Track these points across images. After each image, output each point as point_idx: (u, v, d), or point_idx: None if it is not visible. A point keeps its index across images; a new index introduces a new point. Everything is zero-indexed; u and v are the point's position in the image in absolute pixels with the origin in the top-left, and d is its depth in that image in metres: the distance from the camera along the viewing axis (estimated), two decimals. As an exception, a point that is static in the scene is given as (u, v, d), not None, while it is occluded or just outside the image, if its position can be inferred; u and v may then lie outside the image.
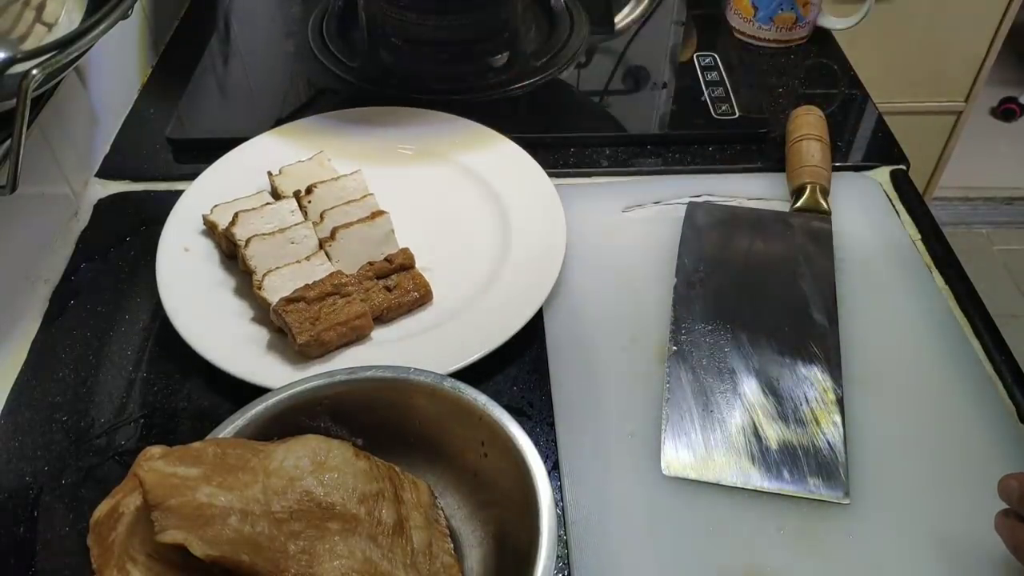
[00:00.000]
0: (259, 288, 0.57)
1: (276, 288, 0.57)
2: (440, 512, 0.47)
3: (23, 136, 0.46)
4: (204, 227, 0.64)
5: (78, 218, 0.69)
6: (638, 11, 0.90)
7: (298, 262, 0.59)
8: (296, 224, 0.62)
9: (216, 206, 0.63)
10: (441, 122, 0.74)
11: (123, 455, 0.53)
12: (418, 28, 0.82)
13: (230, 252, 0.62)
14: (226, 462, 0.42)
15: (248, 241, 0.59)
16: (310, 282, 0.57)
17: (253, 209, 0.62)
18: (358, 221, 0.62)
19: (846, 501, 0.50)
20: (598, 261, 0.63)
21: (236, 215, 0.61)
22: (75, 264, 0.65)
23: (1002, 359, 0.58)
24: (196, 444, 0.43)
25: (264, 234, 0.60)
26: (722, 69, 0.84)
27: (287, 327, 0.55)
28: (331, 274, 0.58)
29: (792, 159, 0.70)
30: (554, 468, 0.52)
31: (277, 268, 0.58)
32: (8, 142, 0.47)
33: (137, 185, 0.73)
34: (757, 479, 0.50)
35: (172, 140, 0.76)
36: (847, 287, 0.62)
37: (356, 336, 0.57)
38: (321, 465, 0.43)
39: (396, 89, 0.80)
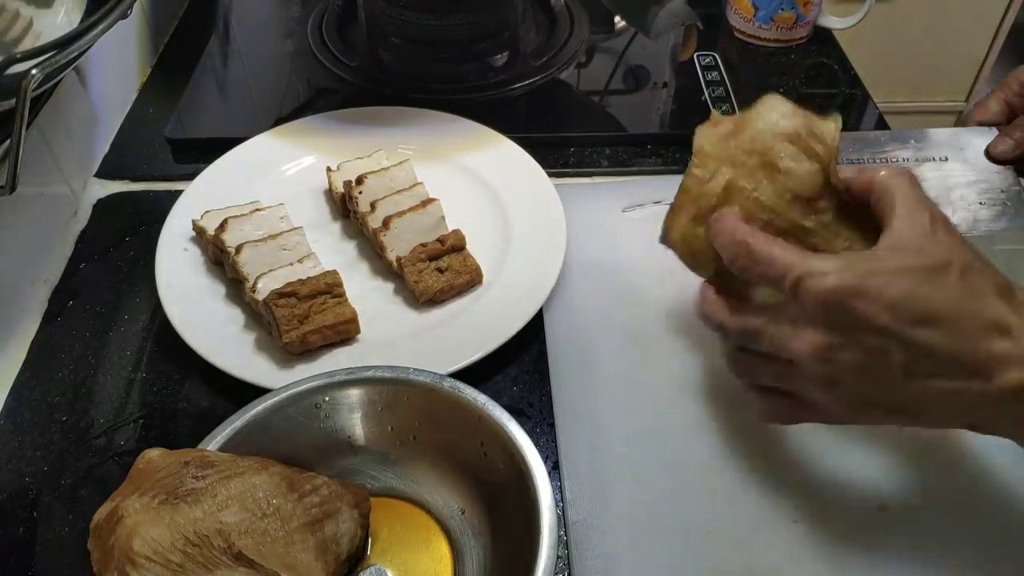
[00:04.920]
0: (253, 291, 0.57)
1: (270, 289, 0.57)
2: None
3: (23, 136, 0.46)
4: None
5: (78, 218, 0.69)
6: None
7: (291, 265, 0.59)
8: (287, 231, 0.62)
9: (207, 212, 0.63)
10: (441, 122, 0.74)
11: (122, 455, 0.53)
12: (418, 28, 0.82)
13: (217, 259, 0.62)
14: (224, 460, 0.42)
15: (240, 248, 0.59)
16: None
17: (243, 216, 0.62)
18: (410, 209, 0.63)
19: None
20: (598, 261, 0.63)
21: (225, 221, 0.61)
22: (75, 264, 0.65)
23: (1002, 359, 0.58)
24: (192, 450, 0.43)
25: (255, 240, 0.60)
26: (722, 69, 0.84)
27: (275, 322, 0.55)
28: (325, 273, 0.58)
29: None
30: (554, 468, 0.52)
31: (271, 271, 0.58)
32: (8, 142, 0.47)
33: (137, 185, 0.73)
34: None
35: (171, 140, 0.76)
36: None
37: (342, 339, 0.57)
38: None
39: (396, 89, 0.80)
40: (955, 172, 0.64)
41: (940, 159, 0.66)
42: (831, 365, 0.41)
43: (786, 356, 0.42)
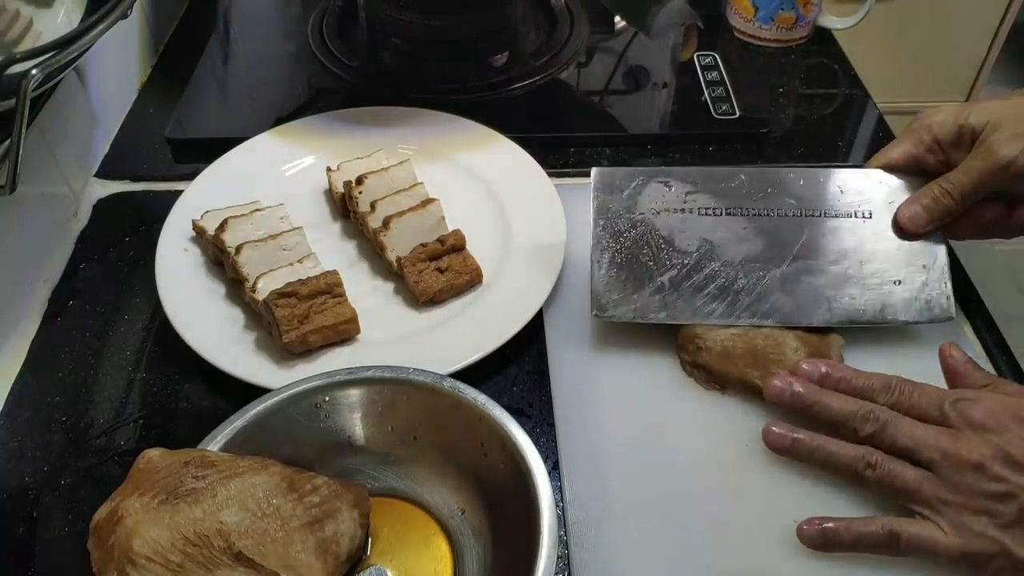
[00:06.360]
0: (253, 291, 0.57)
1: (270, 289, 0.57)
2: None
3: (23, 136, 0.46)
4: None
5: (78, 218, 0.69)
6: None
7: (291, 265, 0.59)
8: (287, 231, 0.61)
9: (207, 212, 0.63)
10: (441, 122, 0.74)
11: (122, 455, 0.53)
12: (418, 28, 0.82)
13: (217, 259, 0.62)
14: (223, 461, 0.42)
15: (240, 248, 0.59)
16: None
17: (243, 216, 0.62)
18: (410, 210, 0.63)
19: None
20: (598, 261, 0.63)
21: (225, 221, 0.61)
22: (75, 264, 0.65)
23: (1002, 359, 0.58)
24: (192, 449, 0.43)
25: (255, 240, 0.60)
26: (722, 69, 0.84)
27: (275, 322, 0.55)
28: (325, 273, 0.58)
29: None
30: (554, 468, 0.52)
31: (271, 271, 0.58)
32: (8, 142, 0.47)
33: (136, 185, 0.73)
34: None
35: (171, 140, 0.76)
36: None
37: (341, 339, 0.57)
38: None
39: (396, 89, 0.80)
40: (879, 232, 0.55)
41: (864, 215, 0.56)
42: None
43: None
